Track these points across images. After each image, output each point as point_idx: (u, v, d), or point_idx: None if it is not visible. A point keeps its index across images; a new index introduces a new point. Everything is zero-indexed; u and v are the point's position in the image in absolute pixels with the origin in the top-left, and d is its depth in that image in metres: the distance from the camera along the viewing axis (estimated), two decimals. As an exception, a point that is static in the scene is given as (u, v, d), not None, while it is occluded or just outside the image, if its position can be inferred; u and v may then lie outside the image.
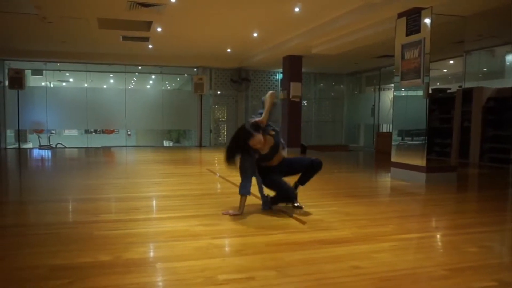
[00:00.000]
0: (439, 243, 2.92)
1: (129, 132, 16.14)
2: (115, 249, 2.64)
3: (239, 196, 3.66)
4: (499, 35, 7.71)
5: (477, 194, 5.49)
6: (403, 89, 6.20)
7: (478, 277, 2.29)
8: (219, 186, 5.63)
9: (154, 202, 4.40)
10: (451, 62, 7.98)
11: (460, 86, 6.29)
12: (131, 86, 14.47)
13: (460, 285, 2.17)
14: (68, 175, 6.61)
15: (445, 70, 6.55)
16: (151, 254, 2.62)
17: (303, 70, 11.04)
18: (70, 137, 17.57)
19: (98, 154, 10.56)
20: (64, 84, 15.47)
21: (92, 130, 16.89)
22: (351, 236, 3.01)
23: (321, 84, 14.68)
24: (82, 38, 9.62)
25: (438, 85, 6.35)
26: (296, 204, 3.82)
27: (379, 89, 12.67)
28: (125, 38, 9.47)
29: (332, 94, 14.81)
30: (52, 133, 15.54)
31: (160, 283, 2.14)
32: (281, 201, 3.86)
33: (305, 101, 14.06)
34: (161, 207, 4.19)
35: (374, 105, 12.85)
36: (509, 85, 7.54)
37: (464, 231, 3.20)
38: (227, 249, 2.73)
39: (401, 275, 2.30)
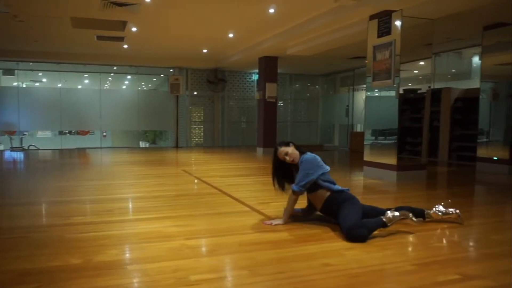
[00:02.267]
0: (408, 240, 3.00)
1: (104, 133, 15.86)
2: (86, 252, 2.61)
3: (213, 197, 3.67)
4: (466, 38, 7.98)
5: (445, 191, 5.66)
6: (376, 90, 6.35)
7: (443, 271, 2.37)
8: (194, 187, 5.62)
9: (127, 204, 4.36)
10: (422, 63, 8.20)
11: (429, 87, 6.46)
12: (106, 87, 14.22)
13: (426, 279, 2.25)
14: (41, 178, 6.45)
15: (416, 71, 6.70)
16: (123, 256, 2.60)
17: (279, 71, 11.12)
18: (44, 139, 17.08)
19: (72, 156, 10.35)
20: (37, 84, 15.05)
21: (67, 131, 16.49)
22: (323, 235, 3.06)
23: (297, 85, 14.81)
24: (55, 37, 9.40)
25: (410, 85, 6.49)
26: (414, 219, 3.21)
27: (353, 90, 12.89)
28: (99, 38, 9.30)
29: (308, 94, 14.97)
30: (25, 134, 15.11)
31: (131, 285, 2.13)
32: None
33: (281, 102, 14.16)
34: (134, 208, 4.16)
35: (348, 106, 13.06)
36: (475, 86, 7.81)
37: (432, 227, 3.30)
38: (200, 249, 2.74)
39: (369, 271, 2.36)
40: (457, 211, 3.44)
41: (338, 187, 3.31)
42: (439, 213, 3.44)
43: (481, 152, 7.32)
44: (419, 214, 3.42)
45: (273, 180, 3.50)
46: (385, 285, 2.18)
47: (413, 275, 2.33)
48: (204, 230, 3.21)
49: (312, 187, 3.31)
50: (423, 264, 2.50)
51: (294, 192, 3.29)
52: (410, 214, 3.16)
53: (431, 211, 3.46)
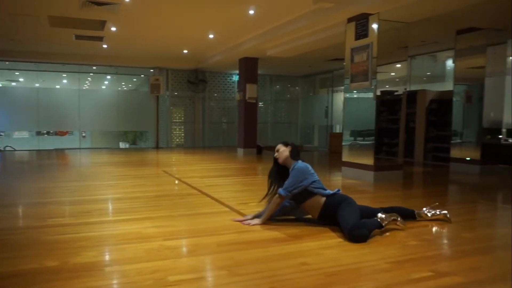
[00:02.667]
0: (384, 238, 3.07)
1: (83, 134, 15.57)
2: (63, 254, 2.58)
3: (193, 197, 3.67)
4: (440, 41, 8.20)
5: (420, 191, 5.81)
6: (355, 91, 6.45)
7: (417, 268, 2.45)
8: (174, 187, 5.59)
9: (106, 205, 4.32)
10: (398, 66, 8.40)
11: (405, 89, 6.63)
12: (85, 87, 13.98)
13: (400, 276, 2.31)
14: (17, 179, 6.30)
15: (393, 74, 6.87)
16: (101, 257, 2.58)
17: (260, 72, 11.16)
18: (20, 139, 16.65)
19: (50, 157, 10.13)
20: (13, 84, 14.69)
21: (45, 132, 16.13)
22: (301, 234, 3.11)
23: (277, 86, 14.90)
24: (33, 36, 9.20)
25: (387, 87, 6.64)
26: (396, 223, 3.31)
27: (332, 91, 13.06)
28: (78, 37, 9.15)
29: (288, 96, 15.08)
30: (1, 135, 14.71)
31: (108, 287, 2.12)
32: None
33: (262, 103, 14.22)
34: (113, 210, 4.12)
35: (327, 107, 13.22)
36: (449, 88, 8.03)
37: (407, 226, 3.39)
38: (179, 250, 2.74)
39: (346, 269, 2.42)
40: (444, 211, 3.60)
41: (330, 191, 3.37)
42: (428, 214, 3.60)
43: (455, 153, 7.53)
44: (410, 214, 3.56)
45: (268, 176, 3.54)
46: (361, 283, 2.23)
47: (388, 273, 2.40)
48: (183, 231, 3.21)
49: (305, 196, 3.33)
50: (398, 262, 2.57)
51: (280, 195, 3.31)
52: (399, 218, 3.29)
53: (421, 212, 3.61)
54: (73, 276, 2.23)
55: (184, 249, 2.78)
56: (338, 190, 3.42)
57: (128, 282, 2.18)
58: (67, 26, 8.16)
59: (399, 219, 3.29)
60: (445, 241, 3.19)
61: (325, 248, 2.81)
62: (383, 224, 3.17)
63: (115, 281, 2.19)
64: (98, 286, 2.11)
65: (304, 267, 2.42)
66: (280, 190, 3.31)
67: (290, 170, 3.37)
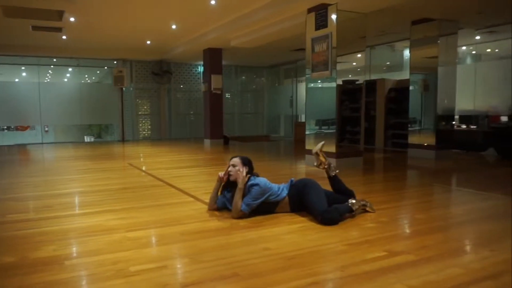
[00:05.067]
0: (343, 223, 3.19)
1: (46, 129, 15.02)
2: (21, 250, 2.54)
3: (158, 188, 3.65)
4: (397, 32, 8.46)
5: (379, 176, 6.04)
6: (319, 81, 6.58)
7: (372, 249, 2.58)
8: (139, 180, 5.53)
9: (68, 199, 4.22)
10: (359, 55, 8.63)
11: (364, 79, 6.84)
12: (47, 80, 13.46)
13: (356, 257, 2.43)
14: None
15: (354, 63, 7.06)
16: (61, 251, 2.54)
17: (225, 63, 11.15)
18: (-22, 136, 15.84)
19: (11, 153, 9.74)
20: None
21: (5, 127, 15.42)
22: (264, 222, 3.18)
23: (243, 77, 14.91)
24: (-15, 27, 8.75)
25: (350, 77, 6.83)
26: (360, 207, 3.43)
27: (297, 81, 13.22)
28: (35, 28, 8.77)
29: (254, 86, 15.13)
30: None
31: (68, 280, 2.10)
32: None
33: (228, 94, 14.21)
34: (75, 203, 4.05)
35: (292, 97, 13.39)
36: (407, 77, 8.33)
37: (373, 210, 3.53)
38: (141, 241, 2.74)
39: (306, 252, 2.51)
40: (364, 201, 3.53)
41: (285, 188, 3.44)
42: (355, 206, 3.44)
43: (412, 139, 7.85)
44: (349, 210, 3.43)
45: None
46: (319, 264, 2.33)
47: (345, 254, 2.51)
48: (146, 222, 3.21)
49: (272, 207, 3.38)
50: (354, 244, 2.69)
51: (243, 212, 3.24)
52: (368, 203, 3.47)
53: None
54: (32, 271, 2.20)
55: (147, 240, 2.79)
56: (291, 181, 3.51)
57: (89, 274, 2.18)
58: (22, 17, 7.79)
59: (368, 204, 3.47)
60: (400, 223, 3.36)
61: (287, 233, 2.90)
62: (354, 209, 3.31)
63: (75, 274, 2.18)
64: (57, 279, 2.10)
65: (265, 252, 2.49)
66: (244, 207, 3.24)
67: (246, 187, 3.31)
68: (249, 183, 3.32)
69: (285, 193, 3.41)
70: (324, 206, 3.18)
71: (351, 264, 2.31)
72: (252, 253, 2.47)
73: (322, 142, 3.68)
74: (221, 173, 3.44)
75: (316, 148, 3.64)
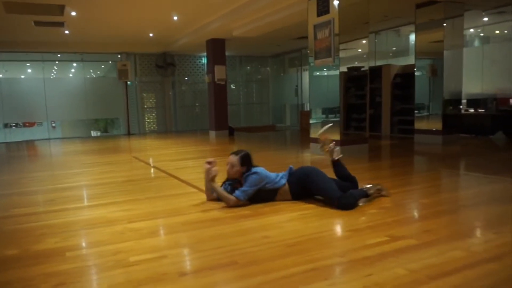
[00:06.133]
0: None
1: (53, 124, 15.16)
2: (24, 243, 2.56)
3: (161, 180, 3.66)
4: (401, 16, 8.31)
5: (384, 162, 5.98)
6: (324, 69, 6.50)
7: (374, 234, 2.55)
8: (143, 172, 5.56)
9: (72, 193, 4.25)
10: (364, 42, 8.52)
11: (368, 65, 6.75)
12: (52, 75, 13.53)
13: (358, 243, 2.41)
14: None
15: (359, 50, 6.97)
16: (63, 243, 2.56)
17: (229, 53, 11.09)
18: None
19: (18, 149, 9.85)
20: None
21: (13, 124, 15.59)
22: (264, 210, 3.16)
23: (248, 67, 14.83)
24: (-12, 24, 8.80)
25: (356, 63, 6.75)
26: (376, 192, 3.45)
27: (301, 70, 13.12)
28: (37, 23, 8.79)
29: (259, 76, 15.05)
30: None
31: (69, 271, 2.11)
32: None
33: (233, 85, 14.16)
34: (79, 196, 4.08)
35: (297, 86, 13.30)
36: (413, 62, 8.19)
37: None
38: (142, 231, 2.74)
39: (306, 239, 2.49)
40: (380, 186, 3.53)
41: (284, 177, 3.41)
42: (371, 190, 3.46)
43: (419, 124, 7.75)
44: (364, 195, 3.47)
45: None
46: (319, 251, 2.31)
47: (346, 240, 2.50)
48: (148, 213, 3.22)
49: (271, 194, 3.36)
50: (356, 230, 2.67)
51: (237, 199, 3.24)
52: (383, 188, 3.50)
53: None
54: (33, 263, 2.22)
55: (148, 231, 2.79)
56: (290, 168, 3.49)
57: (89, 265, 2.20)
58: (24, 12, 7.81)
59: (383, 188, 3.49)
60: (404, 208, 3.31)
61: (287, 221, 2.89)
62: (369, 193, 3.33)
63: (75, 265, 2.19)
64: (58, 271, 2.11)
65: (265, 240, 2.48)
66: (239, 194, 3.24)
67: (243, 178, 3.32)
68: (248, 173, 3.30)
69: (284, 181, 3.39)
70: (337, 191, 3.19)
71: (351, 250, 2.29)
72: (252, 241, 2.47)
73: (329, 125, 3.73)
74: (207, 165, 3.36)
75: (321, 131, 3.68)
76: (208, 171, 3.35)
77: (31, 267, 2.16)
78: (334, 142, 3.65)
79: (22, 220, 3.15)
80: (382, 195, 3.46)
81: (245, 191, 3.24)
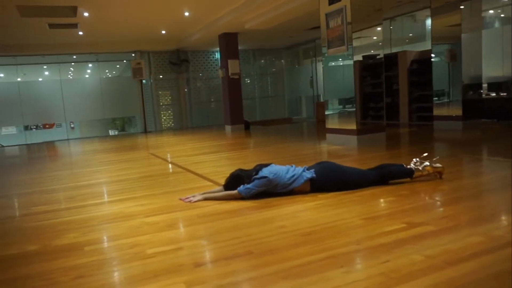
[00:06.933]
0: (361, 197, 3.13)
1: (72, 125, 15.48)
2: (44, 238, 2.62)
3: (177, 175, 3.68)
4: (416, 0, 8.11)
5: (402, 150, 5.88)
6: (340, 59, 6.42)
7: (390, 222, 2.52)
8: (159, 168, 5.61)
9: (91, 190, 4.32)
10: (379, 29, 8.37)
11: (383, 53, 6.63)
12: (69, 77, 13.79)
13: (373, 230, 2.38)
14: (4, 173, 6.29)
15: (375, 38, 6.85)
16: (81, 238, 2.60)
17: (242, 47, 11.07)
18: (8, 136, 16.48)
19: (38, 150, 10.10)
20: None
21: (34, 126, 16.00)
22: (279, 202, 3.14)
23: (262, 61, 14.78)
24: (5, 28, 9.00)
25: (372, 52, 6.65)
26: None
27: (316, 61, 12.99)
28: (51, 26, 8.96)
29: (273, 69, 14.99)
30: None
31: (88, 264, 2.15)
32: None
33: (248, 79, 14.14)
34: (97, 193, 4.14)
35: (312, 77, 13.18)
36: (429, 47, 8.01)
37: (386, 183, 3.45)
38: (159, 225, 2.77)
39: (321, 228, 2.48)
40: (437, 165, 3.56)
41: (297, 174, 3.28)
42: (420, 168, 3.51)
43: (438, 111, 7.58)
44: (408, 173, 3.51)
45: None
46: (334, 239, 2.29)
47: (361, 228, 2.46)
48: (164, 207, 3.25)
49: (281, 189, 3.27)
50: (372, 217, 2.64)
51: (239, 194, 3.21)
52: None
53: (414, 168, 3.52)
54: (52, 257, 2.27)
55: (164, 224, 2.82)
56: (312, 171, 3.34)
57: (107, 258, 2.23)
58: (38, 15, 7.98)
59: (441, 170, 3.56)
60: (422, 195, 3.25)
61: (303, 211, 2.87)
62: (414, 168, 3.49)
63: (94, 258, 2.23)
64: (76, 264, 2.15)
65: (280, 230, 2.48)
66: (242, 189, 3.21)
67: (253, 177, 3.24)
68: (256, 176, 3.23)
69: (299, 182, 3.25)
70: (367, 173, 3.41)
71: (367, 237, 2.27)
72: (267, 232, 2.46)
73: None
74: (190, 200, 3.32)
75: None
76: (193, 202, 3.29)
77: (51, 261, 2.21)
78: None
79: (42, 217, 3.22)
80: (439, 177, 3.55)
81: (249, 188, 3.20)
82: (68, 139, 12.90)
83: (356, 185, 3.34)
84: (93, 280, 1.94)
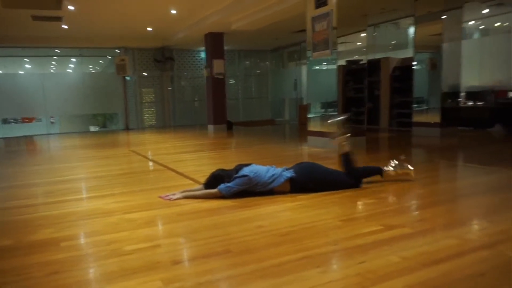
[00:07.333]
0: (341, 199, 3.18)
1: (52, 120, 15.16)
2: (19, 233, 2.57)
3: (158, 173, 3.66)
4: (399, 8, 8.25)
5: (381, 154, 5.96)
6: (324, 63, 6.47)
7: (368, 223, 2.56)
8: (140, 165, 5.56)
9: (69, 185, 4.24)
10: (363, 35, 8.48)
11: (366, 58, 6.72)
12: (51, 71, 13.49)
13: (351, 232, 2.42)
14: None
15: (359, 43, 6.95)
16: (58, 234, 2.56)
17: (228, 48, 11.05)
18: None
19: (17, 144, 9.85)
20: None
21: (12, 120, 15.60)
22: (259, 201, 3.16)
23: (247, 62, 14.78)
24: (-15, 19, 8.77)
25: (356, 57, 6.74)
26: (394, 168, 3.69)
27: (301, 64, 13.08)
28: (35, 18, 8.75)
29: (258, 71, 15.00)
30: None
31: (63, 260, 2.12)
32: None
33: (232, 79, 14.12)
34: (76, 189, 4.07)
35: (296, 80, 13.27)
36: (411, 55, 8.16)
37: (365, 187, 3.51)
38: (137, 222, 2.74)
39: (299, 229, 2.50)
40: (409, 167, 3.70)
41: (277, 173, 3.32)
42: (392, 170, 3.67)
43: (417, 117, 7.73)
44: (376, 171, 3.68)
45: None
46: (312, 239, 2.32)
47: (339, 229, 2.50)
48: (144, 204, 3.22)
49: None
50: (350, 219, 2.68)
51: (220, 192, 3.22)
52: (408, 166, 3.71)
53: (388, 170, 3.67)
54: (27, 252, 2.23)
55: (143, 221, 2.79)
56: (291, 170, 3.40)
57: (83, 255, 2.21)
58: (21, 7, 7.77)
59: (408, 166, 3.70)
60: (400, 198, 3.32)
61: (282, 211, 2.90)
62: (383, 169, 3.63)
63: (70, 254, 2.20)
64: (52, 260, 2.12)
65: (259, 229, 2.49)
66: (222, 187, 3.21)
67: (233, 176, 3.26)
68: (236, 175, 3.24)
69: (279, 181, 3.28)
70: (341, 173, 3.50)
71: (344, 238, 2.30)
72: (246, 231, 2.47)
73: (344, 116, 3.86)
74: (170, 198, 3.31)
75: (333, 120, 3.92)
76: (173, 200, 3.28)
77: (25, 256, 2.17)
78: (349, 135, 3.65)
79: (19, 211, 3.15)
80: (407, 179, 3.65)
81: (230, 187, 3.20)
82: (47, 134, 12.63)
83: (334, 184, 3.41)
84: (68, 276, 1.92)
